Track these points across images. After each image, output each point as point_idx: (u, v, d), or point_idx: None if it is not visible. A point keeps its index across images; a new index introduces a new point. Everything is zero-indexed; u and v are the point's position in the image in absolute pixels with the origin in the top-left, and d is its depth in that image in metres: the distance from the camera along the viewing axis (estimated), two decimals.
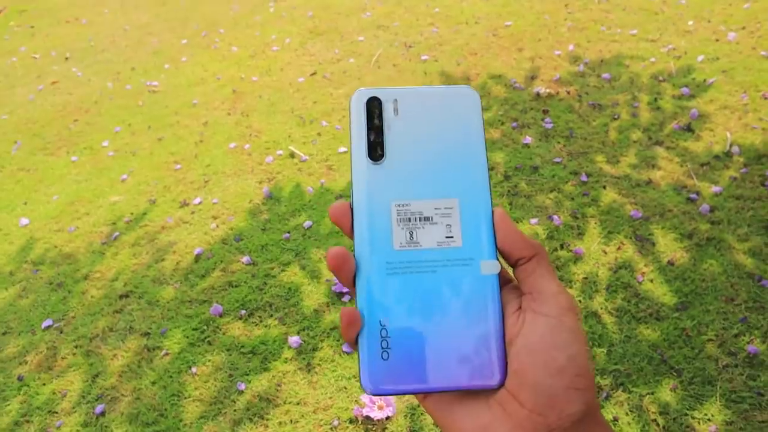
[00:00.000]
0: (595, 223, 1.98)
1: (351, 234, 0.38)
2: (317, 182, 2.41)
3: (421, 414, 1.51)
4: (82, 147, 3.08)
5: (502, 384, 0.35)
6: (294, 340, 1.73)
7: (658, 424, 1.43)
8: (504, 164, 2.31)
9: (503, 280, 0.38)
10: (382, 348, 0.36)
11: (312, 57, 3.52)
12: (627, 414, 1.45)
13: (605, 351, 1.59)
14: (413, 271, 0.37)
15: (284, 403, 1.60)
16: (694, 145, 2.26)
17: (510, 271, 0.39)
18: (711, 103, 2.47)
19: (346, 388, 1.61)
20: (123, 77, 3.82)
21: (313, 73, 3.31)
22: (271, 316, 1.85)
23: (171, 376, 1.73)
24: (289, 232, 2.17)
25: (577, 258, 1.85)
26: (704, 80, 2.60)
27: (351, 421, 1.53)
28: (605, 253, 1.87)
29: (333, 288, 1.88)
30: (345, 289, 1.85)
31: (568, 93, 2.69)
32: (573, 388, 0.32)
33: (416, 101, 0.40)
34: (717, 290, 1.70)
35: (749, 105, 2.40)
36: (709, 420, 1.42)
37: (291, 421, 1.56)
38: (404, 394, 0.36)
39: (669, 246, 1.85)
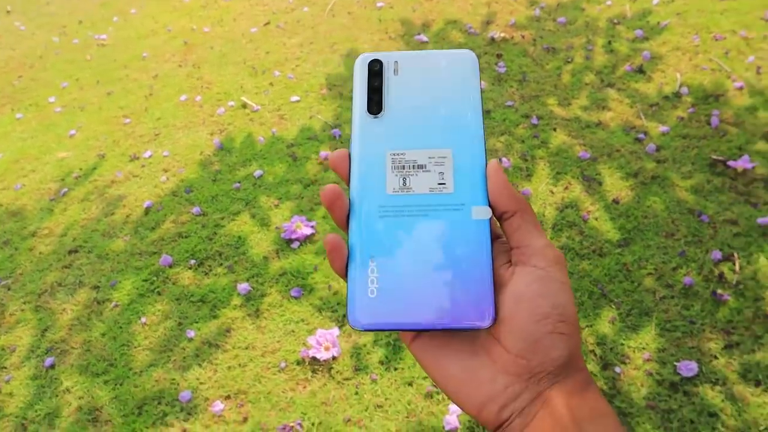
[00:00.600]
0: (544, 164, 1.99)
1: (348, 181, 0.40)
2: (269, 132, 2.37)
3: (367, 353, 1.53)
4: (27, 104, 2.98)
5: (491, 325, 0.35)
6: (243, 287, 1.73)
7: (595, 354, 1.47)
8: None
9: (494, 236, 0.38)
10: (370, 285, 0.37)
11: (266, 6, 3.41)
12: None
13: None
14: (405, 214, 0.38)
15: (233, 348, 1.61)
16: (645, 86, 2.27)
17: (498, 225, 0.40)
18: (664, 45, 2.47)
19: (293, 331, 1.62)
20: (69, 31, 3.67)
21: (267, 23, 3.22)
22: (221, 264, 1.84)
23: (121, 327, 1.72)
24: (239, 182, 2.14)
25: (527, 199, 1.86)
26: (658, 23, 2.60)
27: (298, 363, 1.54)
28: (552, 193, 1.88)
29: (282, 236, 1.87)
30: (295, 236, 1.84)
31: (523, 37, 2.66)
32: (557, 333, 0.33)
33: (416, 63, 0.42)
34: (658, 226, 1.73)
35: (700, 46, 2.41)
36: (643, 348, 1.46)
37: (240, 365, 1.57)
38: (390, 330, 0.36)
39: (615, 185, 1.88)
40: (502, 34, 2.67)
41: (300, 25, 3.14)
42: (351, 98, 0.42)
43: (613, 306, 1.56)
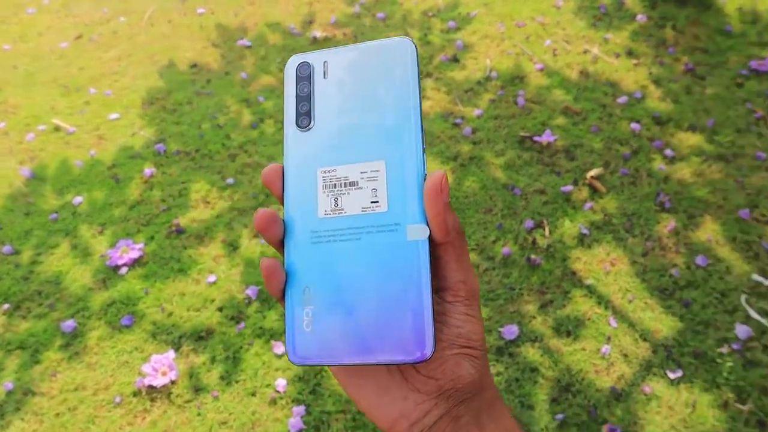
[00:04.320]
0: None
1: (280, 200, 0.38)
2: (86, 154, 2.22)
3: (207, 371, 1.49)
4: None
5: (429, 356, 0.34)
6: (67, 324, 1.61)
7: None
8: (282, 111, 2.29)
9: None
10: (306, 318, 0.35)
11: (76, 18, 3.17)
12: None
13: None
14: (337, 239, 0.36)
15: (60, 392, 1.49)
16: (460, 74, 2.41)
17: None
18: (474, 34, 2.64)
19: (127, 362, 1.53)
20: None
21: (79, 36, 2.99)
22: (40, 305, 1.70)
23: None
24: (56, 213, 1.98)
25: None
26: (468, 13, 2.77)
27: (134, 394, 1.47)
28: None
29: (107, 263, 1.76)
30: (121, 261, 1.74)
31: (345, 35, 2.72)
32: (463, 355, 0.35)
33: (347, 60, 0.38)
34: (477, 204, 1.86)
35: (505, 33, 2.61)
36: None
37: (69, 409, 1.46)
38: (328, 365, 0.35)
39: (439, 169, 1.98)
40: (324, 33, 2.71)
41: (116, 36, 2.96)
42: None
43: None
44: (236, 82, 2.52)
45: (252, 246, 1.84)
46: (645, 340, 1.51)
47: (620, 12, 2.66)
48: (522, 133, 2.07)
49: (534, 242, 1.73)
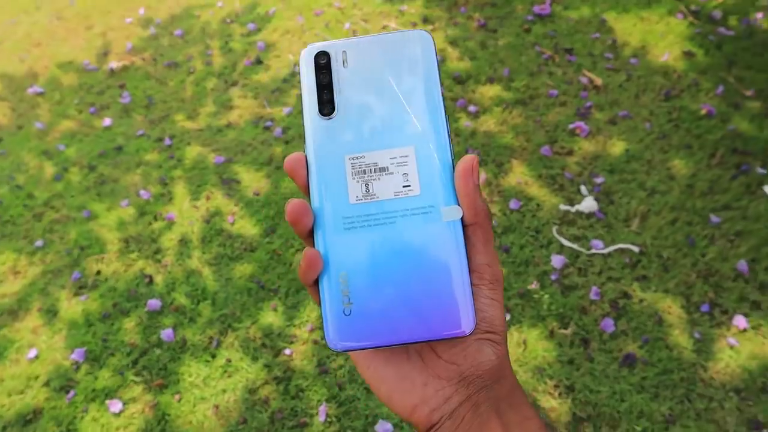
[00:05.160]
0: (183, 182, 1.95)
1: (306, 188, 0.37)
2: None
3: None
4: None
5: (472, 331, 0.34)
6: None
7: (266, 346, 1.50)
8: (87, 155, 2.13)
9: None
10: (344, 304, 0.35)
11: None
12: (238, 350, 1.49)
13: (210, 302, 1.60)
14: (372, 223, 0.36)
15: None
16: (265, 75, 2.36)
17: None
18: (275, 31, 2.59)
19: None
20: None
21: None
22: None
23: None
24: None
25: (172, 223, 1.82)
26: (267, 12, 2.71)
27: None
28: (196, 208, 1.86)
29: None
30: None
31: (143, 60, 2.58)
32: (484, 340, 0.35)
33: (366, 51, 0.38)
34: None
35: (305, 25, 2.58)
36: (306, 322, 1.53)
37: None
38: (370, 348, 0.35)
39: (252, 178, 1.92)
40: (122, 63, 2.56)
41: None
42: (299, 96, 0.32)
43: (273, 294, 1.60)
44: (32, 134, 2.32)
45: (73, 306, 1.70)
46: None
47: None
48: None
49: None
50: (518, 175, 1.81)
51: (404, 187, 0.36)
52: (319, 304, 0.37)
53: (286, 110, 2.14)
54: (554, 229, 1.66)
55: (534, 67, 2.19)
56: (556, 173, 1.81)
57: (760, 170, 1.81)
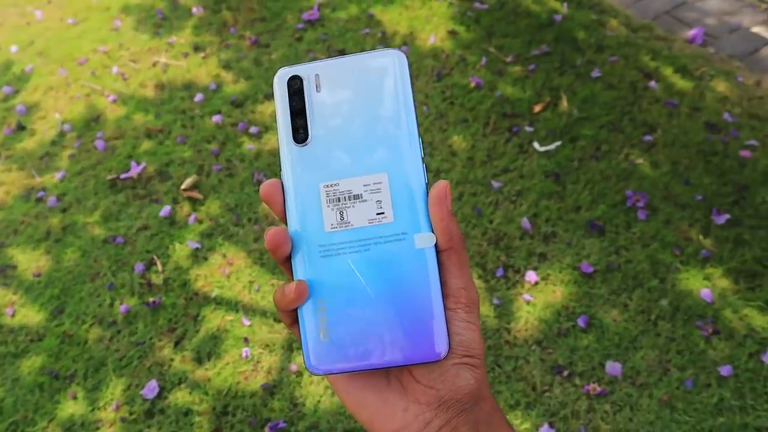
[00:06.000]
0: None
1: (282, 215, 0.38)
2: None
3: None
4: None
5: (446, 355, 0.35)
6: None
7: None
8: None
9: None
10: (322, 329, 0.36)
11: None
12: None
13: None
14: (347, 251, 0.36)
15: None
16: (30, 141, 2.16)
17: None
18: (36, 90, 2.38)
19: None
20: None
21: None
22: None
23: None
24: None
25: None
26: (22, 70, 2.48)
27: None
28: None
29: None
30: None
31: None
32: (462, 364, 0.36)
33: (339, 73, 0.38)
34: (82, 275, 1.68)
35: (69, 77, 2.39)
36: (110, 401, 1.42)
37: None
38: (347, 372, 0.36)
39: (30, 259, 1.75)
40: None
41: None
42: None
43: (69, 381, 1.46)
44: None
45: None
46: (279, 321, 1.52)
47: (177, 12, 2.61)
48: (110, 176, 1.93)
49: (150, 284, 1.63)
50: None
51: (378, 214, 0.37)
52: (296, 332, 0.38)
53: (58, 175, 1.98)
54: None
55: None
56: None
57: (528, 128, 1.95)
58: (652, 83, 2.04)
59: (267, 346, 1.47)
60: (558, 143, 1.86)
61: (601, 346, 1.41)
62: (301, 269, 0.37)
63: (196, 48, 2.40)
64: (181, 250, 1.69)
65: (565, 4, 2.42)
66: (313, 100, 0.38)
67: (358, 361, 0.36)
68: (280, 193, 0.38)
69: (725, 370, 1.35)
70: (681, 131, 1.88)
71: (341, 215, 0.37)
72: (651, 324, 1.44)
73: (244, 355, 1.45)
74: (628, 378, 1.36)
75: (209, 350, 1.48)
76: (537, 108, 1.98)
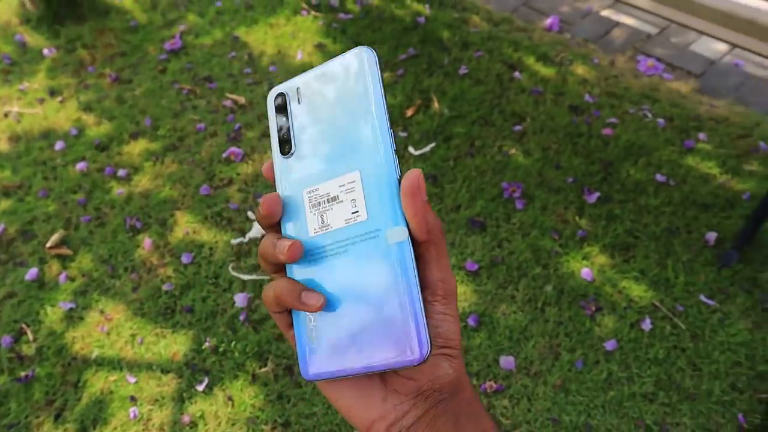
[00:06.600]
0: None
1: (271, 228, 0.39)
2: None
3: None
4: None
5: (426, 357, 0.33)
6: None
7: None
8: None
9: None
10: (312, 335, 0.36)
11: None
12: None
13: None
14: (328, 254, 0.36)
15: None
16: None
17: None
18: None
19: None
20: None
21: None
22: None
23: None
24: None
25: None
26: None
27: None
28: None
29: None
30: None
31: None
32: (440, 355, 0.35)
33: (315, 83, 0.39)
34: None
35: None
36: None
37: None
38: (338, 377, 0.35)
39: None
40: None
41: None
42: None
43: None
44: None
45: None
46: (167, 372, 1.43)
47: (27, 55, 2.44)
48: None
49: (21, 356, 1.49)
50: (184, 225, 1.72)
51: (353, 213, 0.36)
52: (291, 338, 0.38)
53: None
54: (230, 267, 1.61)
55: (177, 106, 2.11)
56: (221, 209, 1.75)
57: (402, 134, 1.95)
58: (517, 74, 2.11)
59: (156, 401, 1.39)
60: (432, 145, 1.88)
61: (493, 342, 1.43)
62: (291, 274, 0.38)
63: (52, 92, 2.25)
64: (53, 314, 1.56)
65: (428, 6, 2.46)
66: (294, 112, 0.40)
67: (345, 365, 0.36)
68: (280, 207, 0.38)
69: (610, 345, 1.40)
70: (548, 117, 1.94)
71: (322, 219, 0.37)
72: (539, 311, 1.48)
73: (132, 415, 1.36)
74: (523, 369, 1.39)
75: (94, 417, 1.37)
76: (409, 112, 2.00)
